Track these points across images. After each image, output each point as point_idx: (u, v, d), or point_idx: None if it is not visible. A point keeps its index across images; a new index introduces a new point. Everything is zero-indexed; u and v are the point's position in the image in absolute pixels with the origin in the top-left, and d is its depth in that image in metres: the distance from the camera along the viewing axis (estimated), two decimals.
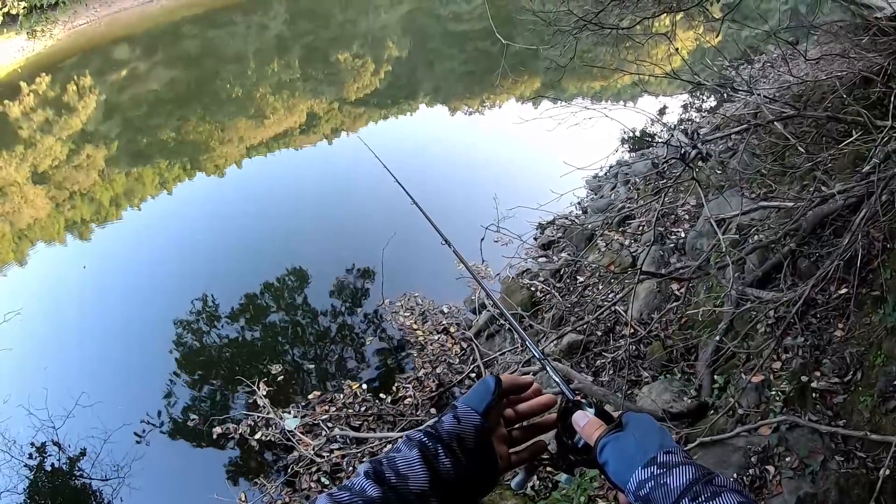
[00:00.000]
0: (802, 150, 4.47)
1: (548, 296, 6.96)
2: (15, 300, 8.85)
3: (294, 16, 25.95)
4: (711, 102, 12.99)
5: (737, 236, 5.57)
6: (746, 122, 4.82)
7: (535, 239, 8.86)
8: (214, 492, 5.65)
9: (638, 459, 0.96)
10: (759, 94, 4.81)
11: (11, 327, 7.90)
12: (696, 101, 13.41)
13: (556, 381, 1.18)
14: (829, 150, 4.46)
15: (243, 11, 26.34)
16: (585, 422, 1.05)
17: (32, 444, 6.87)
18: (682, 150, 3.24)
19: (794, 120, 5.29)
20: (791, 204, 3.93)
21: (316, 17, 25.59)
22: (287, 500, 5.46)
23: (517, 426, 1.13)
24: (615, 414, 1.06)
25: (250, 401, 6.56)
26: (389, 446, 5.32)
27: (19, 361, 7.87)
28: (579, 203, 9.73)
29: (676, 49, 6.11)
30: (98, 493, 6.38)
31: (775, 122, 4.46)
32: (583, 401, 1.08)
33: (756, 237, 5.39)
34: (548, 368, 1.22)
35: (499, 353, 6.48)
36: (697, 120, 12.28)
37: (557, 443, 1.10)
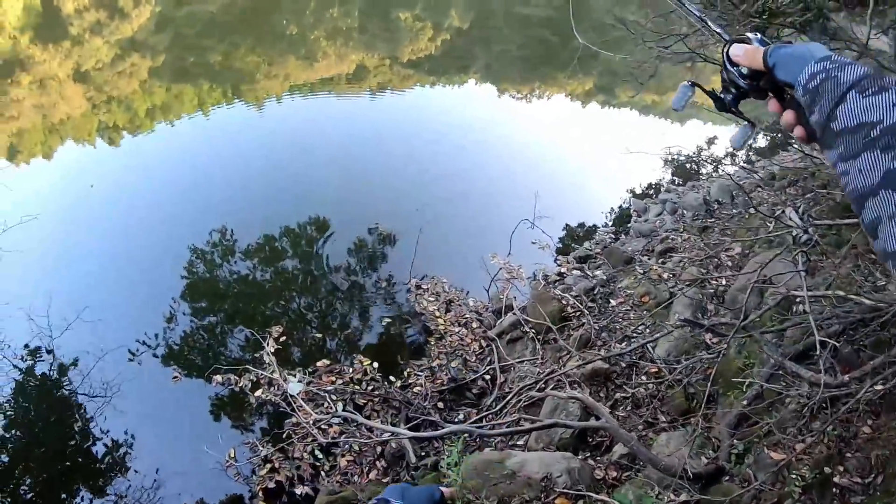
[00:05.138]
0: None
1: (578, 313, 6.72)
2: (34, 203, 8.62)
3: None
4: (764, 141, 12.59)
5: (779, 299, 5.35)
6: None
7: (563, 246, 8.69)
8: (203, 441, 5.53)
9: (811, 57, 1.01)
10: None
11: (26, 230, 7.72)
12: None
13: (704, 23, 1.29)
14: None
15: None
16: (746, 48, 1.13)
17: (27, 346, 6.77)
18: (794, 233, 3.05)
19: None
20: (870, 303, 3.68)
21: None
22: (277, 465, 5.32)
23: None
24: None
25: (256, 355, 6.39)
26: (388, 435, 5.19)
27: (28, 266, 7.71)
28: (623, 220, 9.56)
29: None
30: (82, 407, 6.30)
31: None
32: (744, 35, 1.15)
33: (801, 307, 5.16)
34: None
35: (517, 361, 6.29)
36: (741, 156, 12.01)
37: (722, 83, 1.19)
